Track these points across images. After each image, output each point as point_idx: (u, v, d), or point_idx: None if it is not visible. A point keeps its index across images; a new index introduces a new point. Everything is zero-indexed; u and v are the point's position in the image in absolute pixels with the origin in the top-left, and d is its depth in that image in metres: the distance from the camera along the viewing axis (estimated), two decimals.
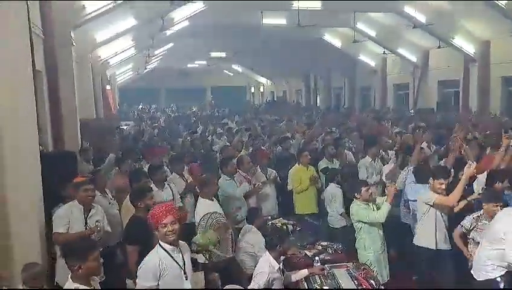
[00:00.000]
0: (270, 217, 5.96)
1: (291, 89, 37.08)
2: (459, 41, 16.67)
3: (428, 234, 4.77)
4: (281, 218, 6.16)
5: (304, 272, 4.15)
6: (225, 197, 5.92)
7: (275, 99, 37.61)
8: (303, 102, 32.90)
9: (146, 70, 31.19)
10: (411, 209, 5.53)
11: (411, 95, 21.49)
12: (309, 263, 4.50)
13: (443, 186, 4.71)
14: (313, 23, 15.41)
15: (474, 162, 5.00)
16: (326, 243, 5.13)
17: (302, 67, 29.89)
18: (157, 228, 3.30)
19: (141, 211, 4.31)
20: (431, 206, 4.73)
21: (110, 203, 5.37)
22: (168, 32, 16.24)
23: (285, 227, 5.61)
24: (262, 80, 42.32)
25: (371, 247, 4.76)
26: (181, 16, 14.28)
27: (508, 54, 15.45)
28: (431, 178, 4.85)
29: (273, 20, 16.95)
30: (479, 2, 12.58)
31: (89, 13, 9.61)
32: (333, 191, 6.09)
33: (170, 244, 3.31)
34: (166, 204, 3.55)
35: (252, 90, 46.29)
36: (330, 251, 4.97)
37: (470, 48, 16.84)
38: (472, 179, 5.25)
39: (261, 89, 44.33)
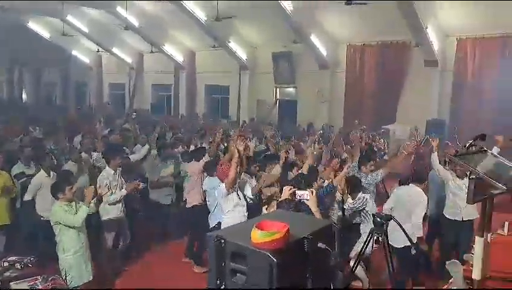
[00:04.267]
0: None
1: None
2: (169, 48, 18.02)
3: None
4: None
5: None
6: None
7: None
8: (4, 95, 28.31)
9: None
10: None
11: (127, 95, 21.80)
12: None
13: None
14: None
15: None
16: (14, 258, 4.42)
17: (2, 56, 25.60)
18: None
19: None
20: None
21: None
22: None
23: None
24: None
25: (70, 249, 4.45)
26: None
27: (209, 65, 17.79)
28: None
29: None
30: (182, 15, 13.86)
31: None
32: None
33: None
34: None
35: None
36: (20, 266, 4.31)
37: (179, 56, 18.46)
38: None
39: None
